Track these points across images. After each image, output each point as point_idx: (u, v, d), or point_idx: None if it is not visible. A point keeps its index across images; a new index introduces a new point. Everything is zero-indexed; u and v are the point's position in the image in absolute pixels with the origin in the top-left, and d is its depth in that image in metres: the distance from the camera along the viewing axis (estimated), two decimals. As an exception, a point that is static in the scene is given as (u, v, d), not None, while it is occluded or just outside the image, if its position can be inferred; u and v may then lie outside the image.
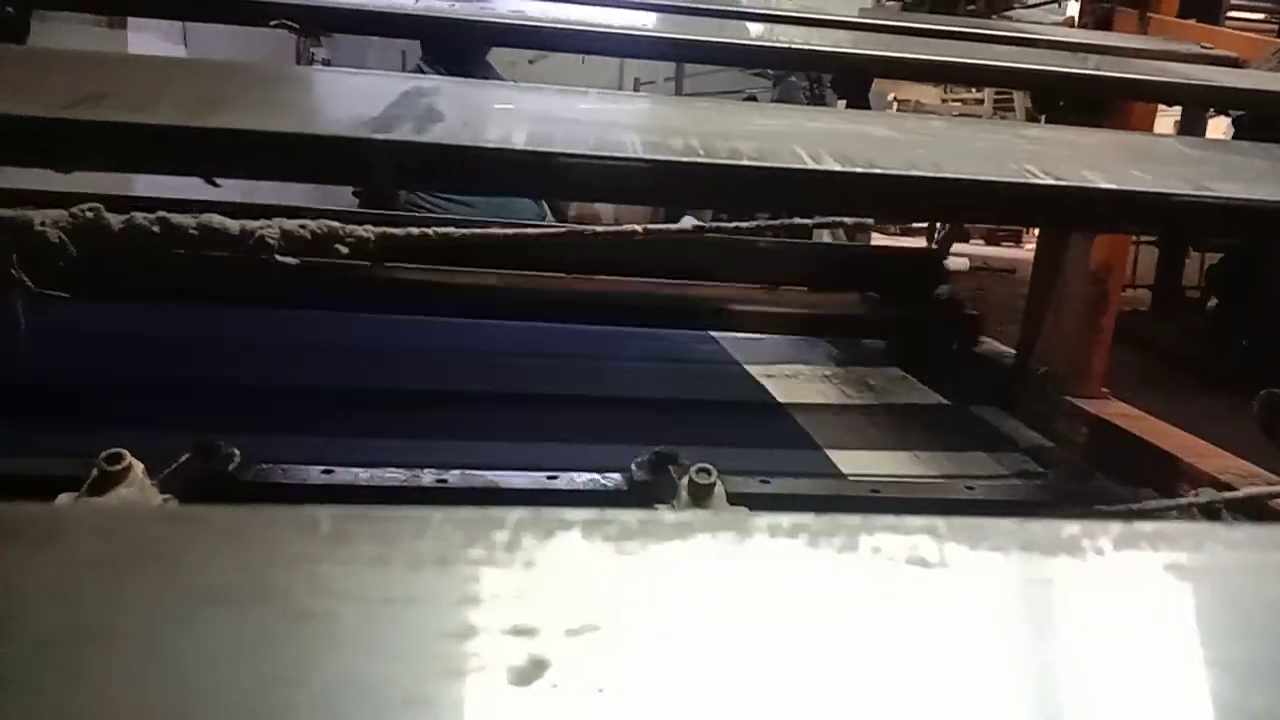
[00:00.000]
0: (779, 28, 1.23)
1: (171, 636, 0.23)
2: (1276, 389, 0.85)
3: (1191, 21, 1.48)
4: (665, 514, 0.30)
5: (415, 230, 0.92)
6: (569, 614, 0.24)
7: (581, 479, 0.91)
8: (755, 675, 0.23)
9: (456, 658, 0.23)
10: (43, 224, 0.72)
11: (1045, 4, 6.07)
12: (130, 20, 2.58)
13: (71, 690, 0.21)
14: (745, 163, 0.63)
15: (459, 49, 2.44)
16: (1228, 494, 0.80)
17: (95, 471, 0.71)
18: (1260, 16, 6.55)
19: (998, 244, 7.96)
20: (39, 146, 0.61)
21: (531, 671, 0.22)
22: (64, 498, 0.69)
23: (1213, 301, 5.23)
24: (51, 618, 0.23)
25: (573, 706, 0.22)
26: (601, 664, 0.23)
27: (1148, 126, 1.41)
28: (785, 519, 0.27)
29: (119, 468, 0.71)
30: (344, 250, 0.84)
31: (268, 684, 0.22)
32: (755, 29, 1.24)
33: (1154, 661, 0.25)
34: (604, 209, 4.33)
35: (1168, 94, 1.22)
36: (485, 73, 2.52)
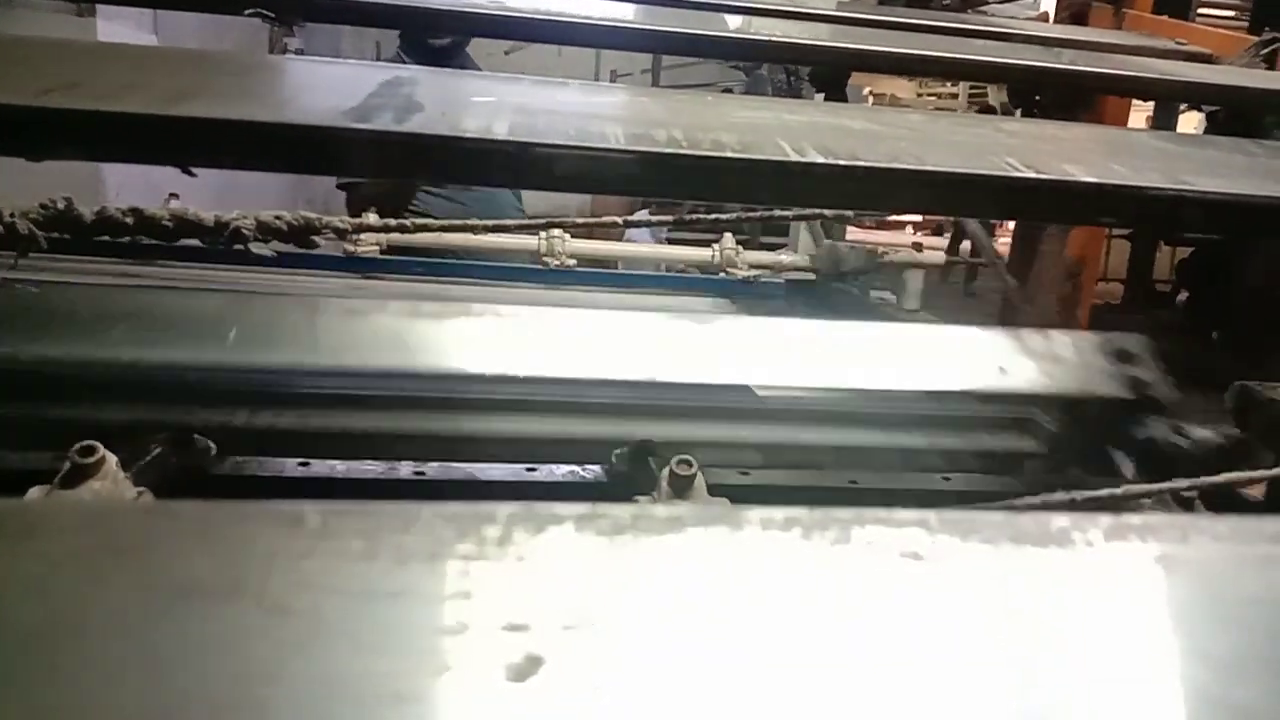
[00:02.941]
0: (757, 20, 1.23)
1: (148, 632, 0.23)
2: (1248, 382, 0.86)
3: (1165, 17, 1.49)
4: (657, 508, 0.30)
5: (392, 221, 0.91)
6: (563, 609, 0.23)
7: (561, 470, 0.90)
8: (751, 669, 0.23)
9: (450, 653, 0.22)
10: (12, 215, 0.71)
11: (1019, -1, 6.10)
12: (100, 8, 2.54)
13: (47, 686, 0.21)
14: (729, 154, 0.62)
15: (437, 40, 2.42)
16: (1203, 480, 0.80)
17: (67, 464, 0.70)
18: (1230, 14, 6.63)
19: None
20: (9, 136, 0.59)
21: (527, 668, 0.22)
22: (35, 491, 0.68)
23: (1183, 295, 5.29)
24: (26, 613, 0.23)
25: (569, 703, 0.21)
26: (597, 660, 0.22)
27: (1122, 121, 1.42)
28: (778, 512, 0.26)
29: (91, 460, 0.70)
30: (320, 241, 0.84)
31: (247, 679, 0.22)
32: (734, 21, 1.23)
33: (1143, 652, 0.25)
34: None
35: (1144, 89, 1.23)
36: (462, 63, 2.50)
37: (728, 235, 1.92)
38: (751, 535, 0.26)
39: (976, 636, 0.25)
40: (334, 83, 0.77)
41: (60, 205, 0.70)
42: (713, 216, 1.04)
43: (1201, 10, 5.82)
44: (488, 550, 0.25)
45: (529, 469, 0.90)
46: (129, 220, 0.72)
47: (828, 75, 1.35)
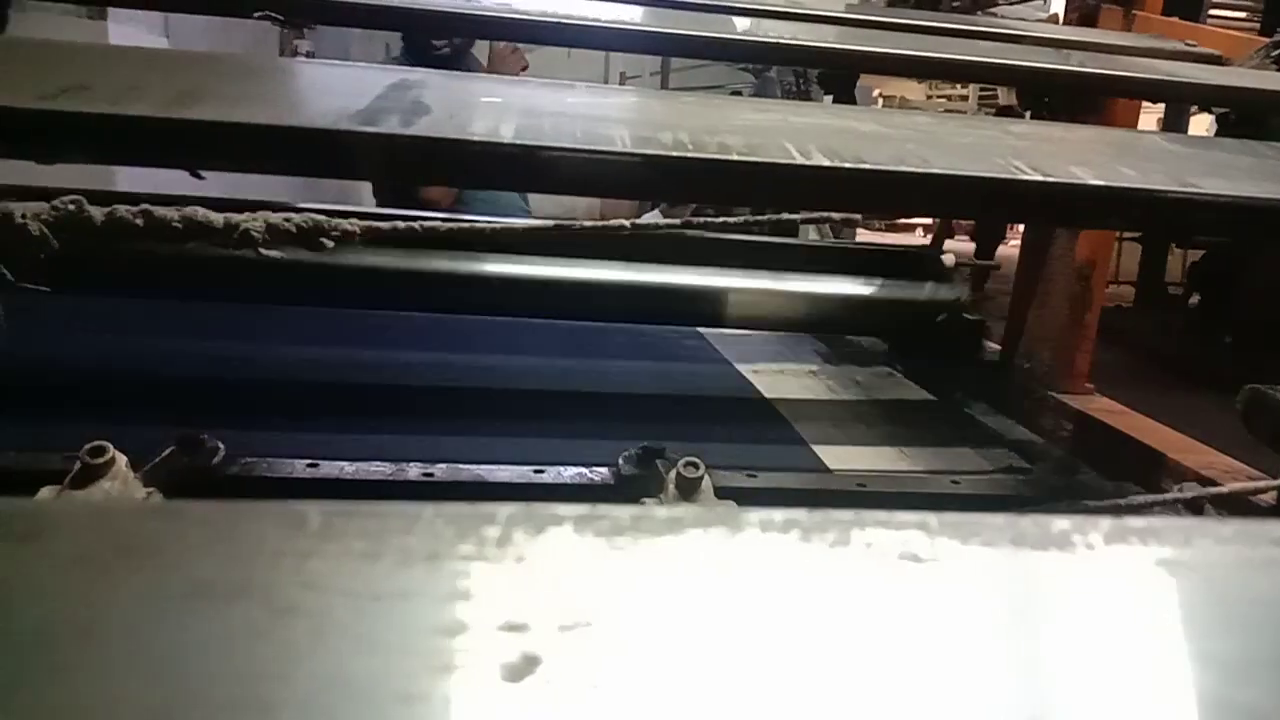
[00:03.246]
0: (765, 22, 1.23)
1: (156, 632, 0.23)
2: (1259, 385, 0.86)
3: (1175, 19, 1.48)
4: (657, 509, 0.30)
5: (401, 224, 0.92)
6: (561, 610, 0.24)
7: (568, 473, 0.91)
8: (749, 671, 0.23)
9: (448, 654, 0.22)
10: (23, 216, 0.71)
11: (1029, 0, 6.09)
12: (110, 11, 2.55)
13: (54, 687, 0.21)
14: (735, 157, 0.62)
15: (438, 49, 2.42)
16: (1212, 489, 0.80)
17: (78, 465, 0.70)
18: (1242, 15, 6.60)
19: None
20: (19, 138, 0.60)
21: (524, 668, 0.22)
22: (45, 491, 0.69)
23: (1195, 298, 5.27)
24: (34, 614, 0.23)
25: (565, 703, 0.21)
26: (595, 660, 0.22)
27: (1132, 123, 1.41)
28: (777, 514, 0.26)
29: (102, 461, 0.70)
30: (329, 244, 0.84)
31: (253, 679, 0.22)
32: (742, 24, 1.23)
33: (1144, 656, 0.25)
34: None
35: (1153, 91, 1.23)
36: (467, 66, 2.50)
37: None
38: (751, 536, 0.26)
39: (976, 639, 0.25)
40: (342, 85, 0.78)
41: (71, 207, 0.71)
42: (720, 220, 1.04)
43: (1212, 12, 5.80)
44: (488, 550, 0.25)
45: (536, 470, 0.91)
46: (139, 222, 0.72)
47: (835, 77, 1.35)
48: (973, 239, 1.57)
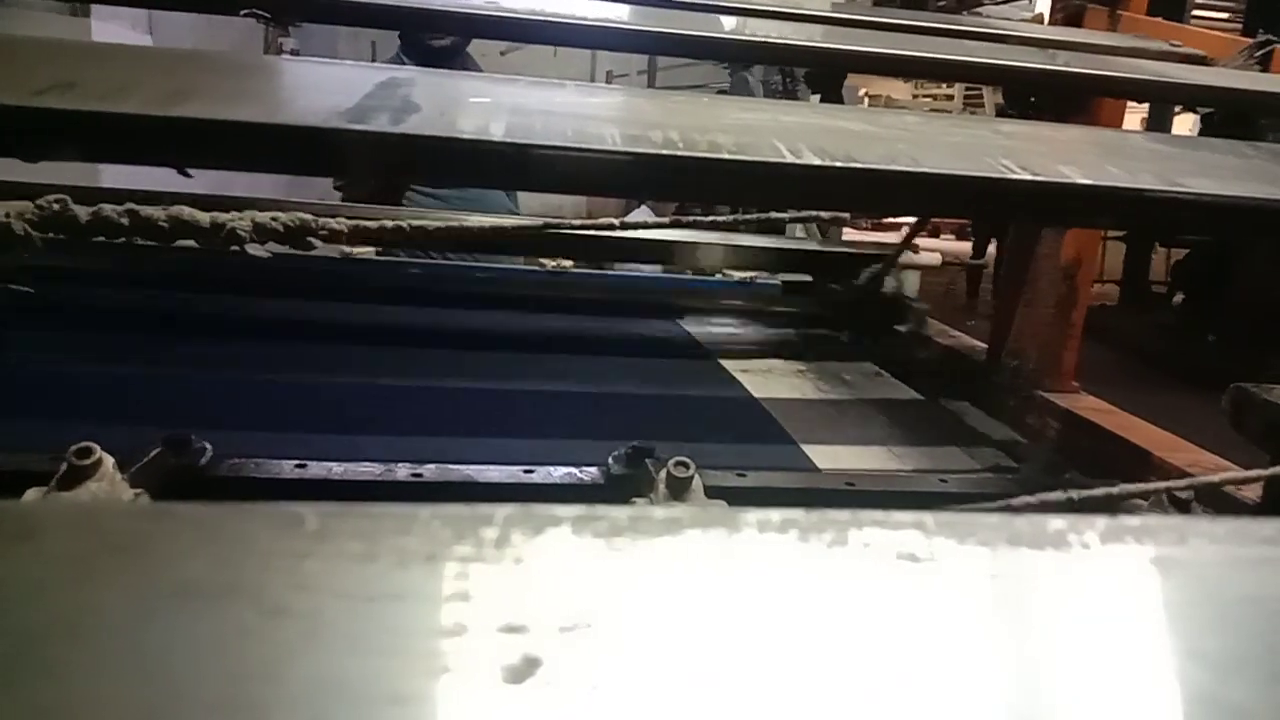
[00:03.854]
0: (753, 21, 1.23)
1: (144, 633, 0.23)
2: (1245, 383, 0.86)
3: (1160, 19, 1.49)
4: (655, 510, 0.30)
5: (389, 223, 0.91)
6: (561, 611, 0.23)
7: (558, 472, 0.90)
8: (749, 671, 0.23)
9: (446, 655, 0.22)
10: (7, 216, 0.71)
11: (1014, 0, 6.12)
12: (94, 8, 2.54)
13: (43, 688, 0.21)
14: (725, 156, 0.62)
15: (437, 40, 2.42)
16: (1198, 479, 0.80)
17: (64, 466, 0.70)
18: (1224, 16, 6.65)
19: (969, 239, 8.02)
20: (4, 136, 0.59)
21: (524, 670, 0.22)
22: (32, 493, 0.68)
23: (1179, 297, 5.31)
24: (22, 614, 0.23)
25: (566, 705, 0.21)
26: (594, 661, 0.22)
27: (1117, 123, 1.42)
28: (775, 514, 0.26)
29: (89, 462, 0.70)
30: (316, 243, 0.84)
31: (244, 680, 0.22)
32: (729, 23, 1.24)
33: (1140, 654, 0.26)
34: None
35: (1139, 91, 1.23)
36: (463, 64, 2.50)
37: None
38: (749, 537, 0.26)
39: (972, 638, 0.25)
40: (330, 83, 0.77)
41: (56, 206, 0.70)
42: (709, 219, 1.04)
43: (1196, 13, 5.84)
44: (485, 552, 0.25)
45: (526, 470, 0.90)
46: (125, 221, 0.71)
47: (823, 77, 1.36)
48: (960, 238, 1.58)
